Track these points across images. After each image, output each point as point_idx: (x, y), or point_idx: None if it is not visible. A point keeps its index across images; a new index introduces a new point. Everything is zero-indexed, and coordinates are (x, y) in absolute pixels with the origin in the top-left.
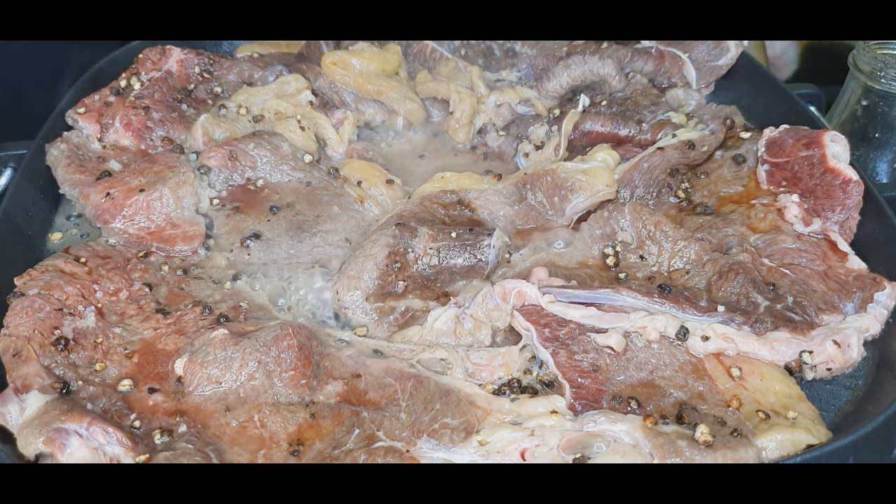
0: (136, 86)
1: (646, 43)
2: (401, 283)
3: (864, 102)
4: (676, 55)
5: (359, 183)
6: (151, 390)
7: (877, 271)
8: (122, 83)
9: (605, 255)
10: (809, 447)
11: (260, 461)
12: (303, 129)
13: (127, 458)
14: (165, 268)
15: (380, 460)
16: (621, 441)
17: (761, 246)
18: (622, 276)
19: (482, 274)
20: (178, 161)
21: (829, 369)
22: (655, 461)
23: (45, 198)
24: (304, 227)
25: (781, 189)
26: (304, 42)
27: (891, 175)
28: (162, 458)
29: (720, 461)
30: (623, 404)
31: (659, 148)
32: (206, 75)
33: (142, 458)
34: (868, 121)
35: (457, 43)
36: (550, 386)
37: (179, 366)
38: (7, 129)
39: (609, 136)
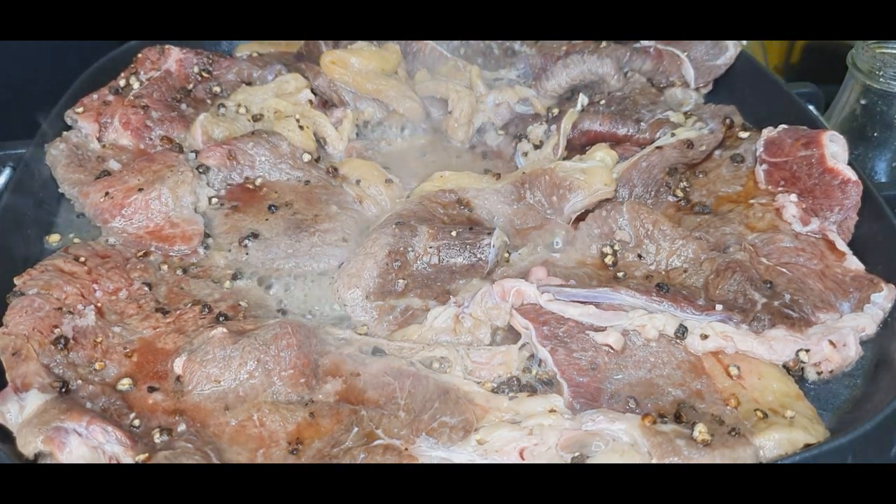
0: (136, 85)
1: (644, 42)
2: (401, 281)
3: (863, 101)
4: (675, 54)
5: (357, 182)
6: (151, 389)
7: (875, 270)
8: (122, 82)
9: (604, 254)
10: (807, 446)
11: (259, 460)
12: (302, 128)
13: (126, 456)
14: (165, 267)
15: (378, 459)
16: (619, 440)
17: (759, 245)
18: (620, 274)
19: (482, 273)
20: (176, 160)
21: (830, 371)
22: (654, 460)
23: (45, 197)
24: (303, 227)
25: (780, 189)
26: (303, 41)
27: (889, 174)
28: (161, 457)
29: (718, 460)
30: (621, 403)
31: (657, 147)
32: (205, 75)
33: (141, 457)
34: (867, 120)
35: (456, 42)
36: (549, 384)
37: (178, 365)
38: (6, 128)
39: (608, 136)
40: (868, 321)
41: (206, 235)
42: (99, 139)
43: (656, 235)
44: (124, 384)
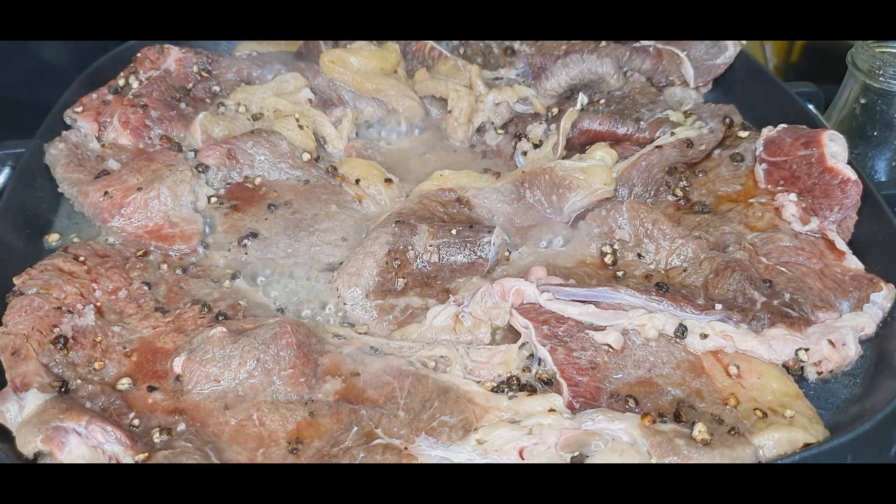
0: (135, 84)
1: (644, 41)
2: (401, 280)
3: (863, 101)
4: (675, 54)
5: (357, 181)
6: (150, 389)
7: (874, 270)
8: (121, 82)
9: (603, 254)
10: (807, 446)
11: (259, 459)
12: (301, 127)
13: (126, 456)
14: (164, 266)
15: (378, 458)
16: (619, 439)
17: (758, 244)
18: (620, 274)
19: (482, 271)
20: (175, 159)
21: (830, 370)
22: (653, 460)
23: (44, 197)
24: (302, 226)
25: (779, 188)
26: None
27: (889, 173)
28: (161, 456)
29: (717, 460)
30: (621, 402)
31: (657, 146)
32: (204, 74)
33: (141, 457)
34: (866, 119)
35: (455, 41)
36: (549, 384)
37: (178, 364)
38: (5, 127)
39: (607, 135)
40: (867, 321)
41: (206, 234)
42: (98, 138)
43: (656, 235)
44: (124, 384)
